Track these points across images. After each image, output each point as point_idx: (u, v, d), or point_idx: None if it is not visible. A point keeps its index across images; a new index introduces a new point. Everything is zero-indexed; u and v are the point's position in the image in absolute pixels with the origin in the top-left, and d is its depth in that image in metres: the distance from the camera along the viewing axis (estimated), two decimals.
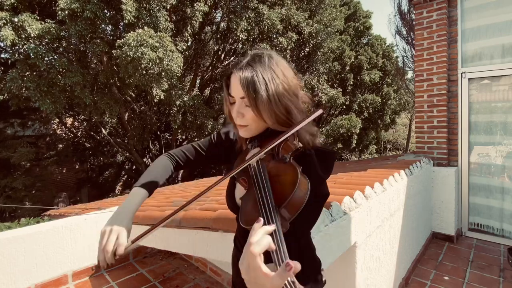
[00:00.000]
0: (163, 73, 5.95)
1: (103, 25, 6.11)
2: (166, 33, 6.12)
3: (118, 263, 2.72)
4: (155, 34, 5.71)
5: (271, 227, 0.52)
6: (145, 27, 5.76)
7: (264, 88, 0.65)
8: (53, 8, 6.20)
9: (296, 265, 0.45)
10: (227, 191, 0.85)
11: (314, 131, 0.73)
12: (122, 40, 5.58)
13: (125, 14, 5.54)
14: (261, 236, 0.49)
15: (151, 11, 6.05)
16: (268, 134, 0.76)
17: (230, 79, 0.73)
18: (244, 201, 0.65)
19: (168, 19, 6.31)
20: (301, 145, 0.68)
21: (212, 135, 0.98)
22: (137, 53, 5.36)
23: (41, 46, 5.56)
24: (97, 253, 0.70)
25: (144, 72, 5.66)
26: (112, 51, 5.71)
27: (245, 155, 0.77)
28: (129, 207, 0.79)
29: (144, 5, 5.95)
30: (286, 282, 0.46)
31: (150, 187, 0.85)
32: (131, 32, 5.59)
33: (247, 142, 0.81)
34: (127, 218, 0.76)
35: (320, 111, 0.64)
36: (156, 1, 5.99)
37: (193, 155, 0.96)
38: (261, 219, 0.53)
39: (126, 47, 5.43)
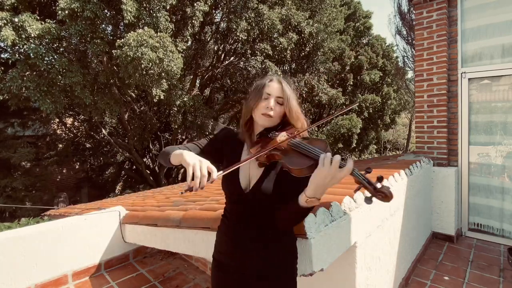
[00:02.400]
0: (163, 74, 5.94)
1: (103, 25, 6.11)
2: (166, 33, 6.12)
3: (118, 263, 2.72)
4: (155, 34, 5.70)
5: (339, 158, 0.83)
6: (145, 27, 5.75)
7: (292, 99, 1.05)
8: (53, 8, 6.20)
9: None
10: (229, 180, 1.08)
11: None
12: (122, 40, 5.58)
13: (125, 14, 5.54)
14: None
15: (151, 11, 6.04)
16: (279, 128, 1.08)
17: (270, 82, 1.06)
18: (288, 159, 0.93)
19: (168, 19, 6.31)
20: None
21: (209, 136, 1.21)
22: (137, 53, 5.36)
23: (41, 46, 5.55)
24: (189, 180, 0.85)
25: (144, 72, 5.65)
26: (112, 51, 5.70)
27: (266, 141, 1.03)
28: (193, 153, 0.96)
29: (144, 5, 5.95)
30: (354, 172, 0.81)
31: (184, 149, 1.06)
32: (131, 32, 5.59)
33: (257, 136, 1.10)
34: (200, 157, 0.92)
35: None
36: (156, 1, 5.99)
37: (195, 150, 1.12)
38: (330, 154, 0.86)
39: (126, 47, 5.43)
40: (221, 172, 0.89)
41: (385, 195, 0.77)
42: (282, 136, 1.02)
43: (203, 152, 1.12)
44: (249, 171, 1.07)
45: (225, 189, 1.12)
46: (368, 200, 0.81)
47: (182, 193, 0.86)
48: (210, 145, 1.17)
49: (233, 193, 1.09)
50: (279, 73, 8.55)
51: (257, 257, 1.05)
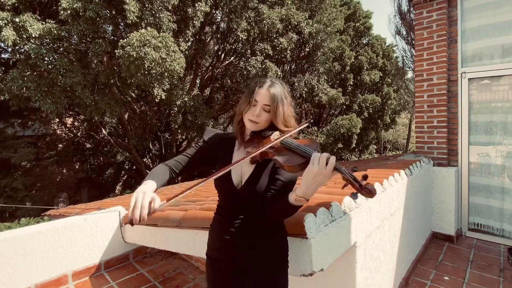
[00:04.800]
0: (165, 73, 5.95)
1: (104, 25, 6.12)
2: (168, 33, 6.13)
3: (118, 263, 2.72)
4: (158, 35, 5.71)
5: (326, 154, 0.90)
6: (148, 28, 5.76)
7: (281, 105, 1.05)
8: (54, 8, 6.21)
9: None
10: (221, 177, 1.04)
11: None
12: (125, 40, 5.59)
13: (128, 14, 5.54)
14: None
15: (153, 11, 6.05)
16: (270, 129, 1.11)
17: (259, 89, 1.06)
18: (281, 157, 0.99)
19: (171, 20, 6.32)
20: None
21: (197, 143, 1.25)
22: (140, 53, 5.37)
23: (42, 46, 5.56)
24: (130, 212, 0.85)
25: (146, 72, 5.66)
26: (115, 51, 5.71)
27: (259, 139, 1.08)
28: (150, 185, 0.96)
29: (147, 5, 5.95)
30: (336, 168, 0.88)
31: (157, 181, 1.02)
32: (134, 32, 5.59)
33: (250, 134, 1.13)
34: (152, 190, 0.94)
35: (306, 124, 1.22)
36: (158, 2, 5.99)
37: (185, 161, 1.17)
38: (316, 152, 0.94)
39: (129, 47, 5.43)
40: (164, 202, 0.86)
41: (369, 191, 0.86)
42: (275, 135, 1.07)
43: (192, 161, 1.17)
44: (241, 167, 1.10)
45: (217, 187, 1.16)
46: (354, 196, 0.88)
47: (123, 225, 0.93)
48: (199, 153, 1.20)
49: (225, 190, 1.13)
50: (279, 73, 8.56)
51: (247, 253, 1.07)
